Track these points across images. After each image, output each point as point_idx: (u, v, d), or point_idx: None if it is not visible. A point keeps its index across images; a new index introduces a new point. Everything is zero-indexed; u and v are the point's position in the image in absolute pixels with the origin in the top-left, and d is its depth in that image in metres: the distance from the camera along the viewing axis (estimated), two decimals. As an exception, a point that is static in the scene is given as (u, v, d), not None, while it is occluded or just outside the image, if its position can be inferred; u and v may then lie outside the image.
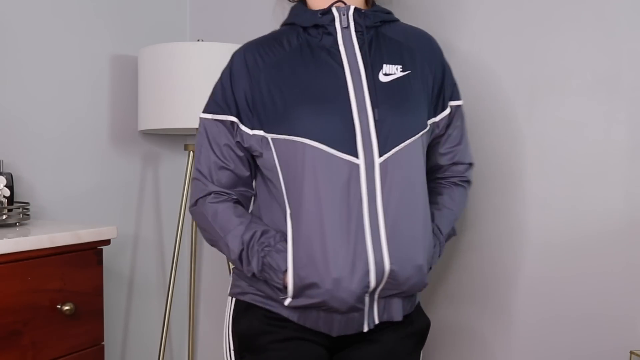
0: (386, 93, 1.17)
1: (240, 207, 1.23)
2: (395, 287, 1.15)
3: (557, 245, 1.56)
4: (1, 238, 1.25)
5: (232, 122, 1.21)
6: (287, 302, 1.16)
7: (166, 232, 2.21)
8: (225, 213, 1.19)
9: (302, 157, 1.13)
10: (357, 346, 1.24)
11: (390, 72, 1.19)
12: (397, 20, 1.30)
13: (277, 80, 1.19)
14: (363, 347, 1.24)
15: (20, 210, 1.50)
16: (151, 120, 1.84)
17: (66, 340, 1.37)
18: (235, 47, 1.83)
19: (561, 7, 1.54)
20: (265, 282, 1.20)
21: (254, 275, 1.19)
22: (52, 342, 1.34)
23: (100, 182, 1.97)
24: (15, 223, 1.49)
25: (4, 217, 1.45)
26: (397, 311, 1.21)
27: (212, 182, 1.21)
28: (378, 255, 1.11)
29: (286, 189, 1.16)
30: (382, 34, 1.24)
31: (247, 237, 1.17)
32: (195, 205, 1.24)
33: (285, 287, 1.15)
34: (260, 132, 1.19)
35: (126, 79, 2.04)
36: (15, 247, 1.26)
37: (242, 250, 1.17)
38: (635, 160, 1.46)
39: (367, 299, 1.16)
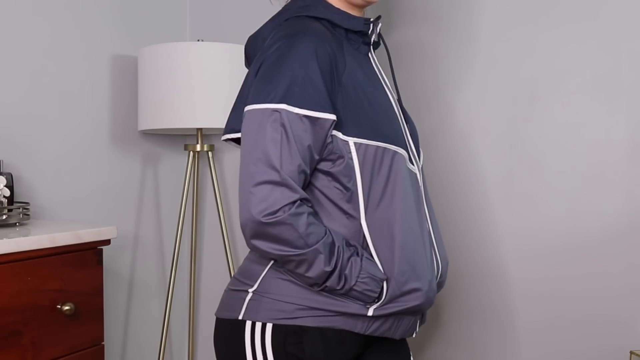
0: (401, 111, 1.24)
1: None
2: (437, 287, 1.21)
3: (557, 245, 1.56)
4: (1, 238, 1.25)
5: (332, 121, 1.06)
6: (371, 311, 1.09)
7: (166, 232, 2.21)
8: (317, 226, 1.05)
9: (391, 163, 1.09)
10: (382, 351, 1.23)
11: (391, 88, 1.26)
12: None
13: (357, 81, 1.12)
14: (388, 353, 1.24)
15: (20, 210, 1.50)
16: (151, 120, 1.84)
17: (66, 340, 1.37)
18: (235, 47, 1.84)
19: (561, 7, 1.54)
20: (349, 296, 1.08)
21: (344, 290, 1.07)
22: (52, 342, 1.34)
23: (100, 182, 1.97)
24: (15, 223, 1.48)
25: (4, 217, 1.45)
26: (424, 315, 1.24)
27: (300, 188, 1.05)
28: (436, 257, 1.19)
29: (365, 196, 1.09)
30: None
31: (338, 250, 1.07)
32: (277, 215, 1.02)
33: (379, 297, 1.09)
34: (342, 135, 1.08)
35: (126, 79, 2.04)
36: (15, 247, 1.26)
37: (336, 264, 1.05)
38: (635, 160, 1.45)
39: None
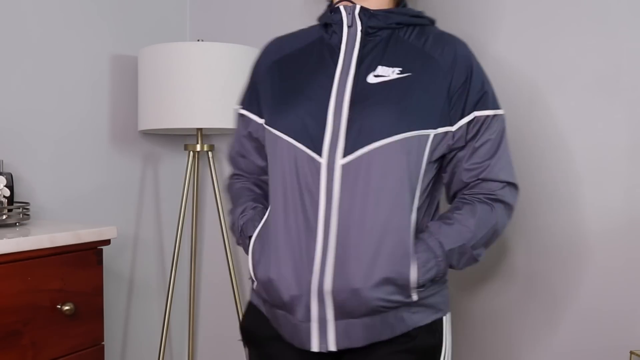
0: (370, 94, 1.12)
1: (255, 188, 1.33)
2: (341, 308, 1.09)
3: (557, 245, 1.56)
4: (1, 238, 1.25)
5: (242, 115, 1.31)
6: (255, 285, 1.25)
7: (166, 232, 2.21)
8: (240, 189, 1.34)
9: (279, 150, 1.16)
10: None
11: (384, 74, 1.14)
12: (429, 24, 1.23)
13: (281, 73, 1.23)
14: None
15: (20, 210, 1.50)
16: (151, 120, 1.84)
17: (66, 340, 1.37)
18: (235, 47, 1.84)
19: (561, 8, 1.54)
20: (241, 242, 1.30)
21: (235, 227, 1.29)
22: (52, 342, 1.34)
23: (100, 182, 1.97)
24: (15, 223, 1.48)
25: (4, 217, 1.45)
26: (357, 336, 1.11)
27: (236, 166, 1.37)
28: (322, 271, 1.08)
29: (269, 181, 1.21)
30: (398, 37, 1.19)
31: (242, 208, 1.29)
32: (225, 182, 1.40)
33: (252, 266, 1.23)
34: (262, 122, 1.27)
35: (126, 79, 2.04)
36: (16, 247, 1.26)
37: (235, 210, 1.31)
38: (635, 160, 1.46)
39: (314, 313, 1.10)
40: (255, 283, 1.21)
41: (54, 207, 1.83)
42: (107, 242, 1.48)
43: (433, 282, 1.15)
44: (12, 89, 1.73)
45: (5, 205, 1.47)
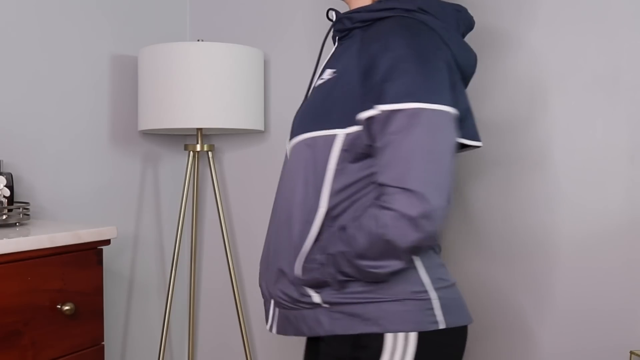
0: (310, 96, 1.19)
1: None
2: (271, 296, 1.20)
3: (557, 244, 1.56)
4: (1, 238, 1.25)
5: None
6: None
7: (166, 232, 2.21)
8: None
9: None
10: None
11: (324, 76, 1.15)
12: (389, 16, 1.11)
13: None
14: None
15: (20, 210, 1.50)
16: (151, 120, 1.84)
17: (66, 340, 1.37)
18: (235, 47, 1.84)
19: (561, 7, 1.54)
20: None
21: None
22: (52, 342, 1.34)
23: (100, 182, 1.97)
24: (15, 223, 1.48)
25: (4, 217, 1.45)
26: (283, 326, 1.18)
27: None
28: (266, 250, 1.21)
29: None
30: (358, 36, 1.14)
31: None
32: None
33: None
34: None
35: (126, 79, 2.04)
36: (16, 247, 1.26)
37: None
38: (635, 160, 1.46)
39: (267, 297, 1.21)
40: None
41: (54, 207, 1.83)
42: (107, 242, 1.48)
43: (329, 287, 1.08)
44: (12, 89, 1.73)
45: (5, 205, 1.47)
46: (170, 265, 2.18)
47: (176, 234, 1.96)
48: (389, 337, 1.05)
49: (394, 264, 1.02)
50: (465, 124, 1.13)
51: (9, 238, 1.26)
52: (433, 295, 1.07)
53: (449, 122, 1.02)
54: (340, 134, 1.07)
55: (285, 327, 1.17)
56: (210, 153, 2.00)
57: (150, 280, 2.16)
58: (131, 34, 2.05)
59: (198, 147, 1.96)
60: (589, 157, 1.51)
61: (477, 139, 1.16)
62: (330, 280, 1.07)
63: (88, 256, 1.43)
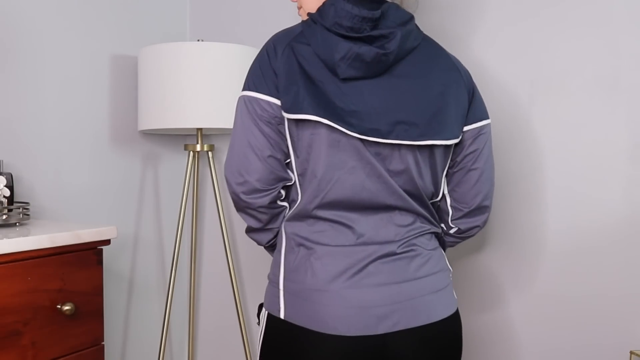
0: None
1: None
2: None
3: (557, 245, 1.56)
4: (1, 238, 1.25)
5: None
6: None
7: (166, 232, 2.21)
8: None
9: None
10: None
11: None
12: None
13: None
14: None
15: (20, 210, 1.50)
16: (151, 120, 1.84)
17: (66, 340, 1.37)
18: (236, 47, 1.84)
19: (561, 7, 1.54)
20: None
21: None
22: (52, 342, 1.34)
23: (101, 182, 1.97)
24: (15, 223, 1.48)
25: (4, 217, 1.45)
26: None
27: None
28: None
29: None
30: None
31: None
32: None
33: None
34: None
35: (126, 79, 2.04)
36: (16, 247, 1.26)
37: None
38: (635, 160, 1.46)
39: None
40: None
41: (54, 207, 1.83)
42: (107, 242, 1.48)
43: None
44: (12, 89, 1.73)
45: (5, 205, 1.47)
46: (170, 265, 2.18)
47: (176, 234, 1.96)
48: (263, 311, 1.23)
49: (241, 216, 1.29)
50: (293, 99, 1.13)
51: (9, 238, 1.26)
52: (281, 284, 1.17)
53: (247, 104, 1.19)
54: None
55: None
56: (210, 153, 2.00)
57: (150, 280, 2.16)
58: (131, 34, 2.05)
59: (198, 147, 1.96)
60: (588, 157, 1.51)
61: (317, 114, 1.12)
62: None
63: (88, 256, 1.43)
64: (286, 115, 1.13)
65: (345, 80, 1.12)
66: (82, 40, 1.90)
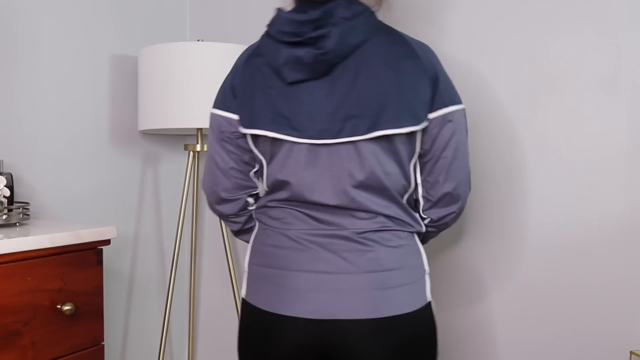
0: None
1: None
2: None
3: (557, 245, 1.56)
4: (1, 238, 1.25)
5: None
6: None
7: (166, 232, 2.21)
8: None
9: None
10: None
11: None
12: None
13: None
14: None
15: (20, 210, 1.50)
16: (151, 120, 1.84)
17: (66, 340, 1.37)
18: (235, 47, 1.84)
19: (561, 7, 1.54)
20: None
21: None
22: (52, 342, 1.34)
23: (100, 182, 1.97)
24: (16, 223, 1.48)
25: (4, 217, 1.45)
26: None
27: None
28: None
29: None
30: None
31: None
32: None
33: None
34: None
35: (126, 79, 2.04)
36: (16, 247, 1.26)
37: None
38: (635, 161, 1.46)
39: None
40: None
41: (54, 207, 1.83)
42: (107, 242, 1.48)
43: None
44: (12, 89, 1.73)
45: (5, 205, 1.47)
46: (170, 265, 2.18)
47: (176, 234, 1.96)
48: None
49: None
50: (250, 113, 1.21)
51: (9, 238, 1.26)
52: (247, 268, 1.28)
53: (212, 121, 1.28)
54: None
55: None
56: (210, 153, 1.99)
57: (150, 280, 2.16)
58: (131, 34, 2.05)
59: (198, 147, 1.96)
60: (588, 157, 1.51)
61: (265, 128, 1.19)
62: None
63: (88, 256, 1.43)
64: (242, 131, 1.22)
65: (292, 84, 1.16)
66: (82, 40, 1.90)
